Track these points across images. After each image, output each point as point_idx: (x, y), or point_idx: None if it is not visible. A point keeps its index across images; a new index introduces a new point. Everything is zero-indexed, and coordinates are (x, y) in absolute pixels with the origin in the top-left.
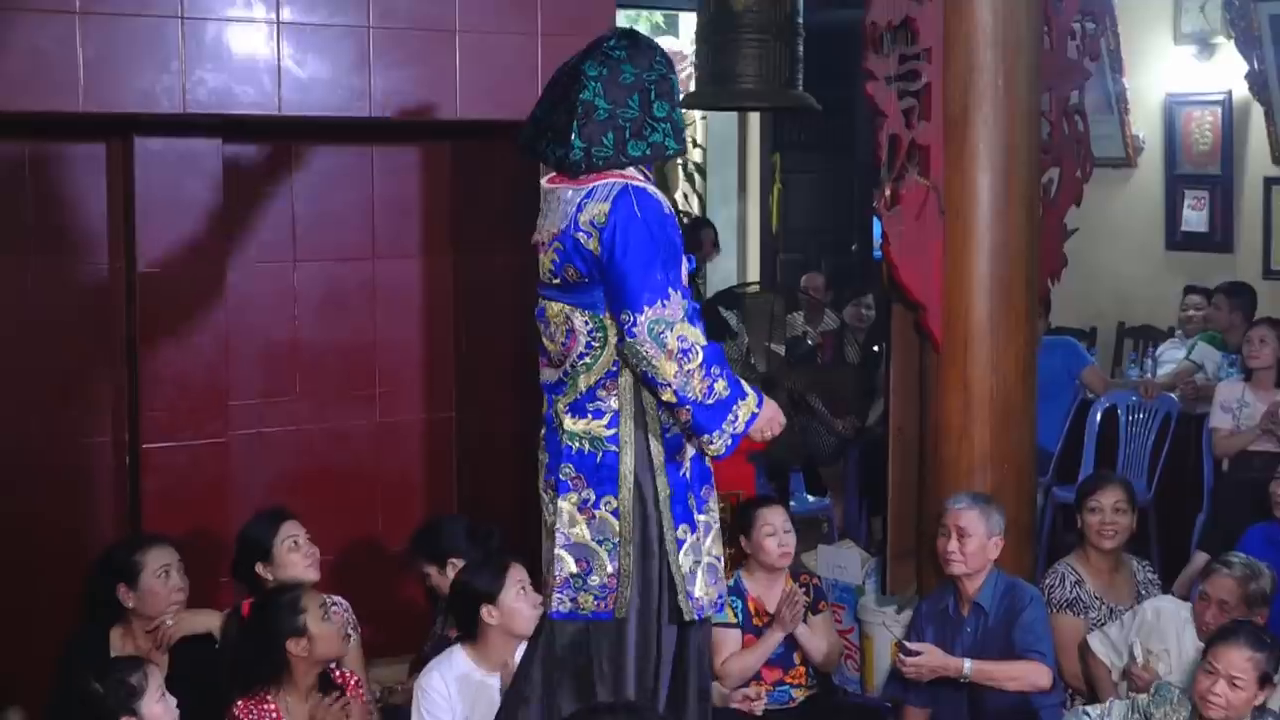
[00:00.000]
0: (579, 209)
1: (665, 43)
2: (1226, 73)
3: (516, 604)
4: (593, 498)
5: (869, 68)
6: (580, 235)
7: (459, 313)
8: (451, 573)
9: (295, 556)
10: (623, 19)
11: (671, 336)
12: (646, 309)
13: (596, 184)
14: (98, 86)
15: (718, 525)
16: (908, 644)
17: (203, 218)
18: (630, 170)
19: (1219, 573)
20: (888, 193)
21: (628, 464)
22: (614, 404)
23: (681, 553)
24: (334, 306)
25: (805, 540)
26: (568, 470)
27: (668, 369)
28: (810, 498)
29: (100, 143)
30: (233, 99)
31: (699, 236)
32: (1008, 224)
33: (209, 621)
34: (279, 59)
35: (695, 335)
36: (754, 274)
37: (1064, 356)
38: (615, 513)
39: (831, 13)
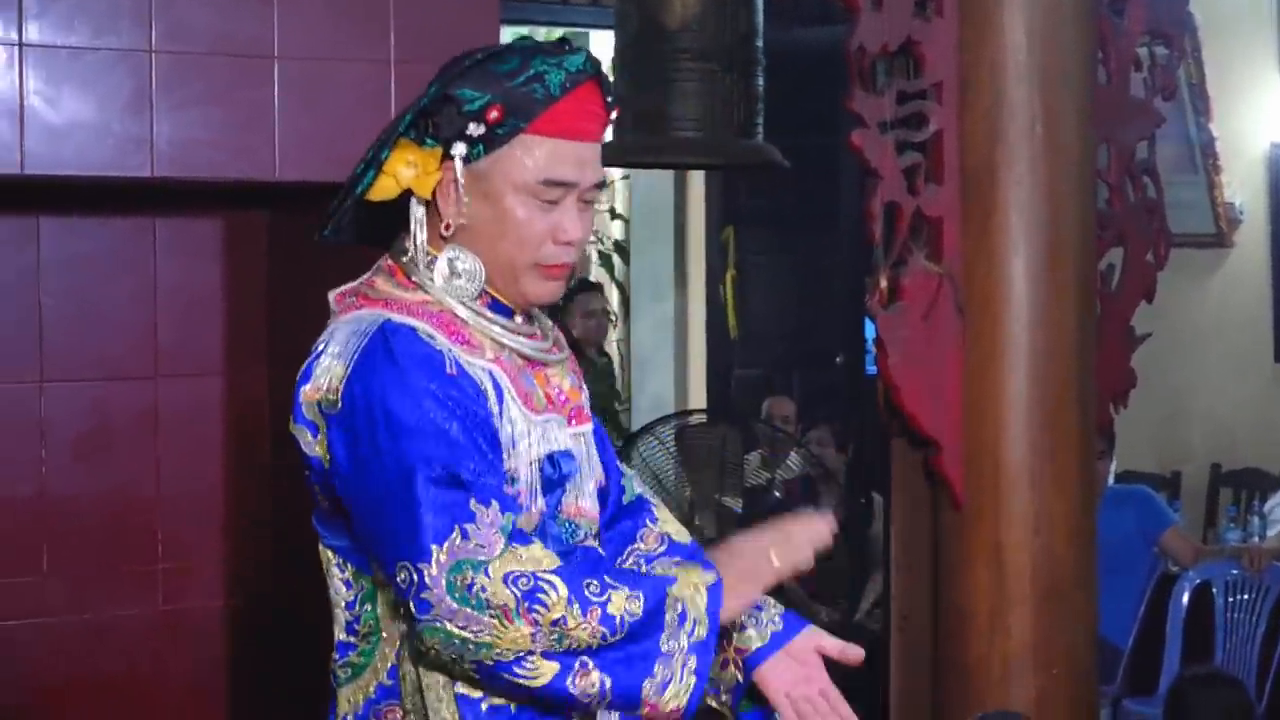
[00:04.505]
0: (305, 375)
1: None
2: None
3: None
4: None
5: (856, 109)
6: (299, 429)
7: (279, 453)
8: None
9: None
10: (508, 38)
11: (495, 582)
12: (435, 548)
13: (339, 321)
14: None
15: None
16: None
17: None
18: (382, 283)
19: None
20: (884, 284)
21: None
22: None
23: None
24: (98, 447)
25: None
26: None
27: (516, 633)
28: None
29: None
30: None
31: (572, 306)
32: (1052, 327)
33: None
34: (22, 95)
35: (535, 558)
36: (698, 398)
37: (1136, 514)
38: None
39: (805, 31)
